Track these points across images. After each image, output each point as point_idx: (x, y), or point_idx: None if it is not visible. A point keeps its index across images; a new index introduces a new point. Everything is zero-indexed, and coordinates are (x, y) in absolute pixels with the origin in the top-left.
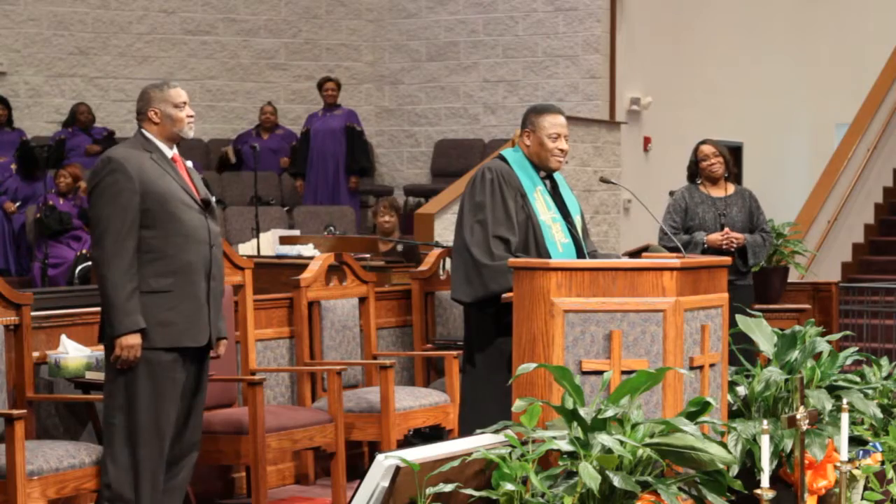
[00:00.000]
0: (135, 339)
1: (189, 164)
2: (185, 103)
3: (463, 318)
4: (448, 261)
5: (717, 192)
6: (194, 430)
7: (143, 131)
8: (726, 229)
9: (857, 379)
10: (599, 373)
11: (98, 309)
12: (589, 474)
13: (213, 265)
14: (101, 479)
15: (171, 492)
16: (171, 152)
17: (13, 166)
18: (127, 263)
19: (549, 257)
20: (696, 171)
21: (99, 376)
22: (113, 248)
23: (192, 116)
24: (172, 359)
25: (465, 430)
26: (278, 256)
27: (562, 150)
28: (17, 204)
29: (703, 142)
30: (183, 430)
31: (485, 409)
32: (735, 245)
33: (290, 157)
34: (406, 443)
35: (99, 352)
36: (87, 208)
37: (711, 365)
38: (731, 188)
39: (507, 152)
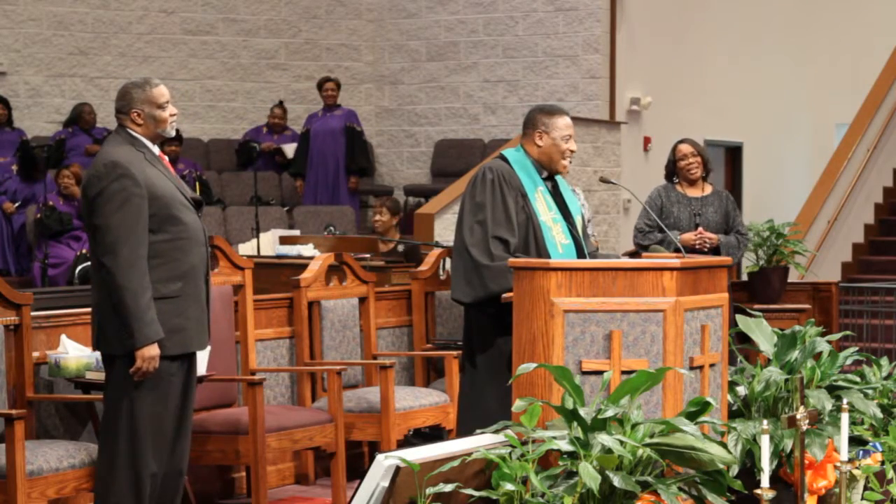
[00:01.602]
0: (156, 350)
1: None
2: (167, 102)
3: (463, 317)
4: (448, 261)
5: (693, 192)
6: (186, 433)
7: (129, 130)
8: (700, 229)
9: (857, 379)
10: (599, 373)
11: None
12: (589, 474)
13: (208, 266)
14: (96, 485)
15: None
16: (157, 150)
17: (14, 167)
18: (143, 271)
19: (549, 258)
20: (673, 170)
21: (99, 376)
22: (129, 257)
23: (174, 115)
24: (176, 366)
25: (464, 429)
26: (278, 256)
27: (572, 152)
28: (17, 205)
29: (682, 141)
30: (174, 446)
31: (484, 408)
32: (708, 245)
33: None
34: (406, 443)
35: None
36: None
37: (711, 365)
38: (709, 188)
39: (508, 152)
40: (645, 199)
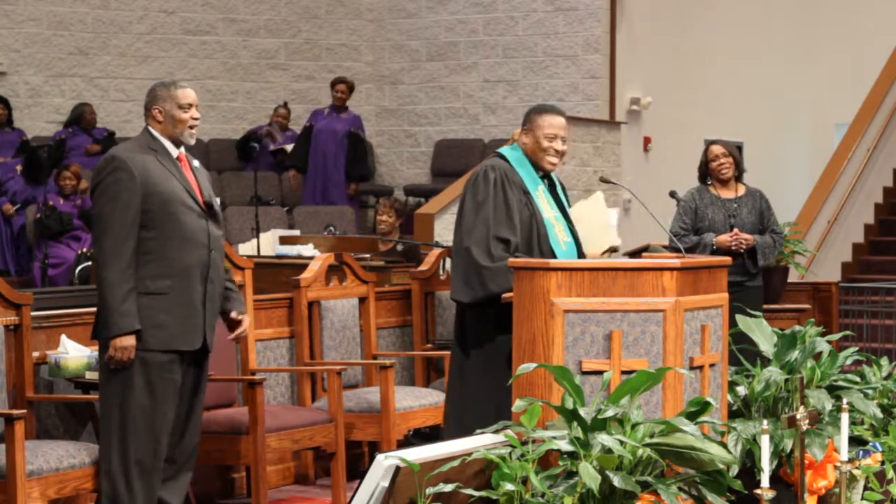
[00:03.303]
0: (129, 341)
1: (196, 163)
2: (191, 105)
3: (455, 315)
4: (448, 261)
5: (726, 194)
6: (193, 432)
7: (150, 129)
8: (735, 230)
9: (857, 379)
10: (599, 373)
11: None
12: (589, 474)
13: (210, 268)
14: (99, 478)
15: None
16: (177, 151)
17: (19, 167)
18: (125, 264)
19: (553, 255)
20: (706, 172)
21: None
22: (112, 248)
23: (196, 119)
24: (168, 359)
25: (455, 428)
26: (278, 256)
27: (557, 151)
28: (16, 207)
29: (714, 142)
30: (184, 432)
31: (480, 408)
32: (744, 246)
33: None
34: (406, 443)
35: None
36: (88, 207)
37: (711, 365)
38: (742, 189)
39: (506, 150)
40: (679, 203)
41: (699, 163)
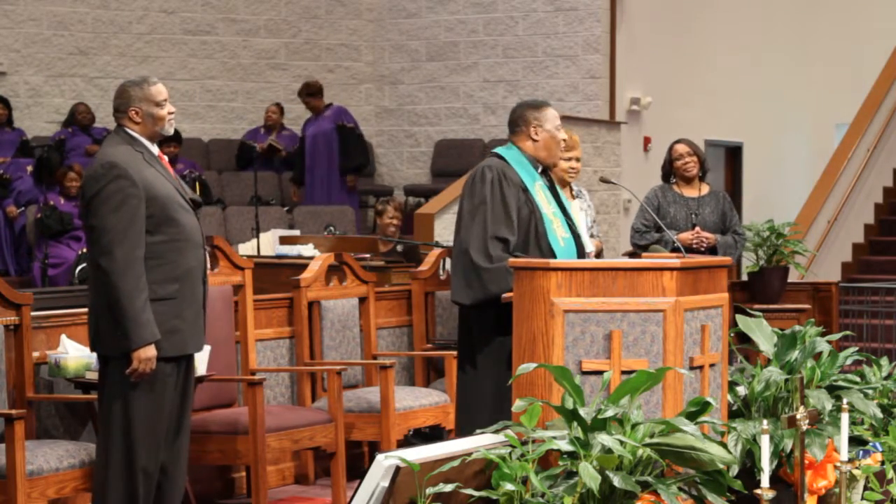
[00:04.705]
0: (151, 351)
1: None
2: (165, 100)
3: (459, 318)
4: (448, 261)
5: (690, 192)
6: (185, 434)
7: (127, 130)
8: (697, 228)
9: (857, 379)
10: (599, 373)
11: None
12: (589, 474)
13: (205, 268)
14: (94, 484)
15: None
16: (157, 150)
17: (29, 168)
18: (139, 273)
19: (552, 251)
20: (670, 170)
21: None
22: (125, 258)
23: (172, 113)
24: (171, 367)
25: (464, 432)
26: (278, 256)
27: (565, 140)
28: (21, 210)
29: (678, 141)
30: (177, 434)
31: (484, 410)
32: (705, 245)
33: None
34: (406, 443)
35: None
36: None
37: (711, 365)
38: (706, 189)
39: (502, 150)
40: (642, 200)
41: (664, 161)
